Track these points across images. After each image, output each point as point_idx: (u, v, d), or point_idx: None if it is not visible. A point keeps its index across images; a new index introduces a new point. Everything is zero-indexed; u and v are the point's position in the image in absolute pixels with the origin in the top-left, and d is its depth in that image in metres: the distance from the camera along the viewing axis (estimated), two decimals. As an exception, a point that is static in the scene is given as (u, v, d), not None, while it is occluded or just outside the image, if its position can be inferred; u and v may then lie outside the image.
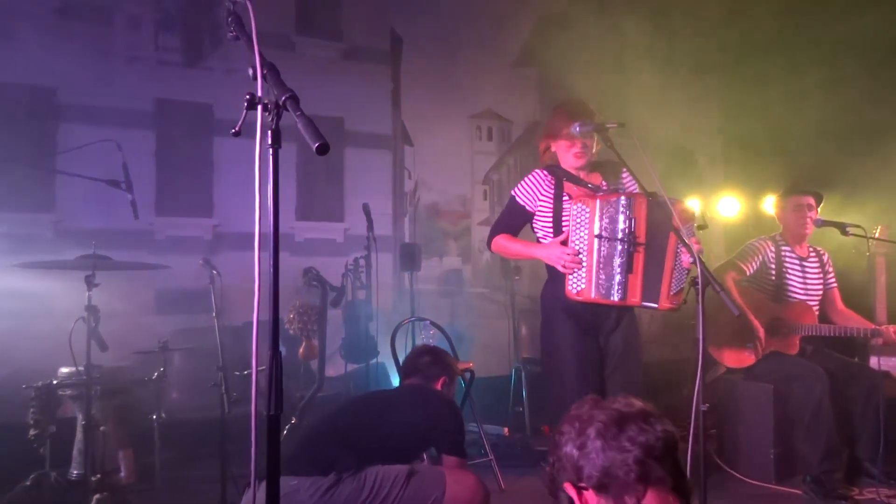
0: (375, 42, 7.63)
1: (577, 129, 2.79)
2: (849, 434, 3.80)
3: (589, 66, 8.06)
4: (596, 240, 2.74)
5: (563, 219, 2.87)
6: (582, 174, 2.98)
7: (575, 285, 2.77)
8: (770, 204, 4.37)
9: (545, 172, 2.97)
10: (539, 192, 2.94)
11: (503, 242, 3.00)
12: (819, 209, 4.17)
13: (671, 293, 2.78)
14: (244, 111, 1.49)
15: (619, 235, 2.72)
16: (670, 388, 5.42)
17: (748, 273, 4.09)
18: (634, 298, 2.75)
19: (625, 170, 2.98)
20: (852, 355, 4.31)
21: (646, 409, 1.37)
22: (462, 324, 7.07)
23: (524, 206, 2.97)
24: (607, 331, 2.92)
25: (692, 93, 7.57)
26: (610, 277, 2.75)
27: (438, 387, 2.88)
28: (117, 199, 3.42)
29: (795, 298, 4.08)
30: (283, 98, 1.47)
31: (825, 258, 4.26)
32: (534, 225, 3.02)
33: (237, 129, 1.51)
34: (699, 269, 2.34)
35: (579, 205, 2.77)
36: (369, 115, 7.40)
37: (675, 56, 7.74)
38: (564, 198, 2.91)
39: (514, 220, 3.01)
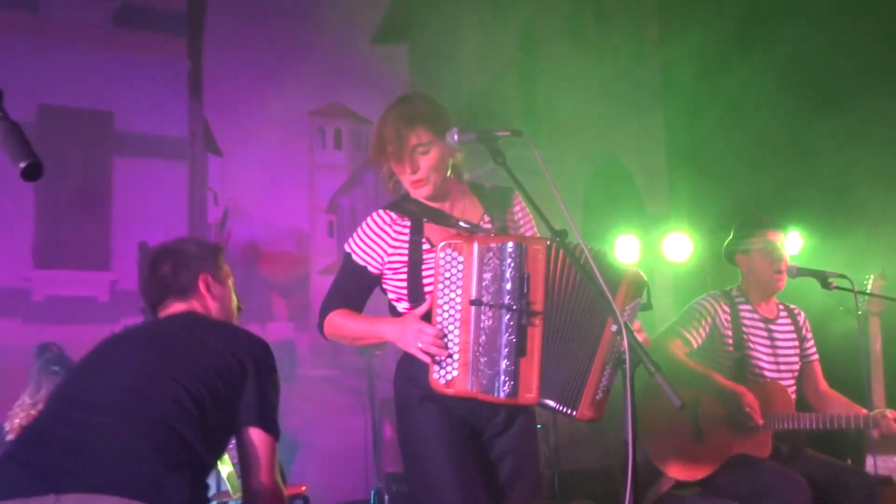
0: (165, 0, 7.60)
1: (456, 137, 2.86)
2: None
3: (483, 43, 8.37)
4: (472, 307, 2.76)
5: (426, 277, 2.92)
6: (447, 206, 3.07)
7: (443, 373, 2.78)
8: (728, 245, 4.56)
9: (392, 213, 3.03)
10: (386, 242, 3.00)
11: (338, 322, 3.02)
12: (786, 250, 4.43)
13: (597, 397, 2.80)
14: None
15: (507, 300, 2.75)
16: (599, 512, 5.57)
17: (695, 344, 4.25)
18: (529, 394, 2.76)
19: (517, 197, 3.12)
20: (843, 456, 4.55)
21: None
22: (294, 423, 6.98)
23: (366, 267, 3.02)
24: (492, 434, 2.99)
25: (628, 84, 7.98)
26: (492, 363, 2.76)
27: (205, 295, 2.90)
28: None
29: (763, 377, 4.27)
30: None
31: (801, 320, 4.49)
32: (383, 287, 3.09)
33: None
34: (626, 341, 2.39)
35: (448, 251, 2.78)
36: (154, 108, 7.30)
37: (608, 34, 8.16)
38: (424, 245, 2.96)
39: (354, 288, 3.06)
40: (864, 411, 4.08)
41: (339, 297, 3.06)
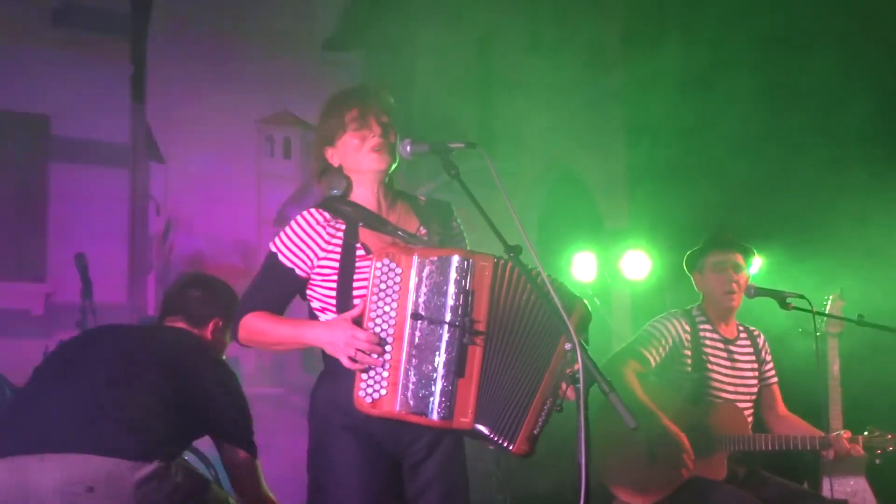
0: (108, 1, 7.43)
1: (409, 148, 2.75)
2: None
3: (439, 52, 8.27)
4: (409, 320, 2.65)
5: (357, 285, 2.81)
6: (382, 212, 2.95)
7: (370, 391, 2.63)
8: (685, 263, 4.55)
9: (325, 213, 2.89)
10: (317, 244, 2.84)
11: (257, 324, 2.85)
12: (750, 272, 4.40)
13: (535, 431, 2.68)
14: None
15: (447, 317, 2.65)
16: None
17: (653, 363, 4.21)
18: (464, 418, 2.61)
19: (455, 214, 2.99)
20: (800, 479, 4.52)
21: None
22: (238, 445, 6.83)
23: (293, 269, 2.86)
24: (414, 461, 2.85)
25: (589, 97, 7.92)
26: (426, 382, 2.64)
27: (208, 334, 3.12)
28: None
29: (721, 398, 4.24)
30: None
31: (761, 342, 4.47)
32: (308, 294, 2.93)
33: None
34: (580, 360, 2.32)
35: (385, 262, 2.66)
36: (93, 113, 7.11)
37: (568, 45, 8.09)
38: (359, 251, 2.84)
39: (278, 292, 2.88)
40: (820, 433, 4.07)
41: (259, 298, 2.89)
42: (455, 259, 2.66)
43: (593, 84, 7.74)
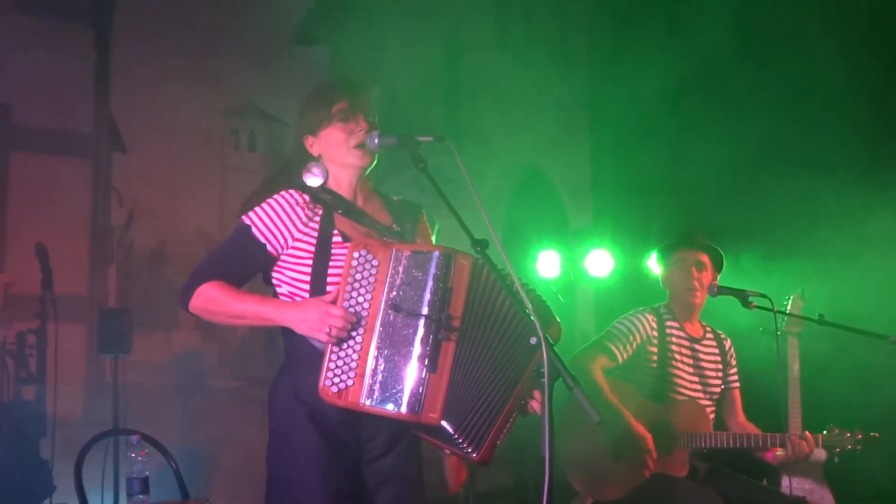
0: (72, -14, 7.33)
1: (376, 141, 2.78)
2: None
3: (406, 49, 8.26)
4: (382, 312, 2.64)
5: (332, 272, 2.79)
6: (360, 202, 2.97)
7: (336, 381, 2.62)
8: (652, 262, 4.63)
9: (305, 196, 2.89)
10: (294, 224, 2.84)
11: (216, 294, 2.81)
12: (717, 273, 4.47)
13: (497, 441, 2.71)
14: None
15: (424, 310, 2.63)
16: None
17: (620, 359, 4.29)
18: (433, 413, 2.62)
19: (423, 216, 3.02)
20: (760, 476, 4.62)
21: None
22: (200, 438, 6.80)
23: (265, 245, 2.85)
24: (372, 456, 2.86)
25: (556, 95, 7.97)
26: (397, 375, 2.62)
27: None
28: None
29: (683, 396, 4.31)
30: None
31: (727, 345, 4.58)
32: (274, 277, 2.92)
33: None
34: (545, 354, 2.35)
35: (362, 252, 2.67)
36: (55, 101, 7.02)
37: (536, 44, 8.14)
38: (335, 238, 2.84)
39: (242, 265, 2.88)
40: (780, 434, 4.16)
41: (221, 269, 2.87)
42: (436, 255, 2.66)
43: (560, 83, 7.79)
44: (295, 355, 2.83)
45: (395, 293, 2.64)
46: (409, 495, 2.90)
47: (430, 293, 2.62)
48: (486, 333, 2.71)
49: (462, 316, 2.65)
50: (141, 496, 4.41)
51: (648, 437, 4.10)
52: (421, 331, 2.62)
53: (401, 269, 2.65)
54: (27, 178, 6.85)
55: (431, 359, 2.62)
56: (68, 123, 7.12)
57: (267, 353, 6.25)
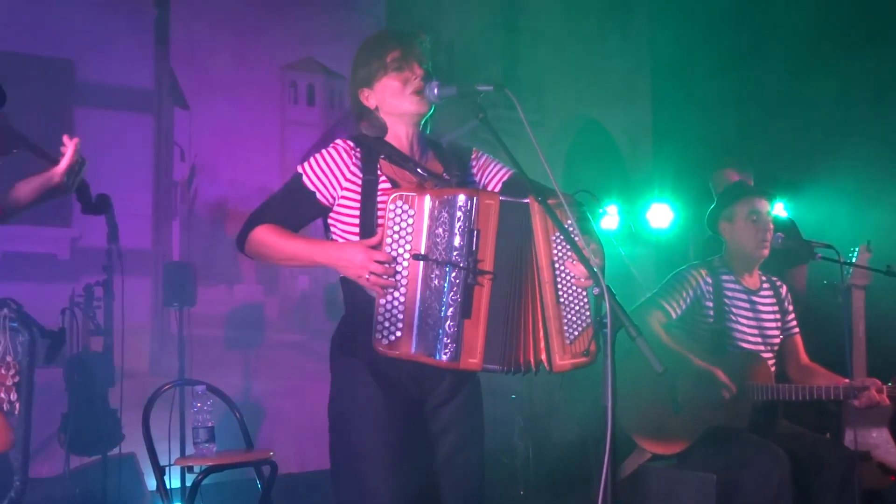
0: (132, -56, 7.39)
1: (436, 91, 2.77)
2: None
3: (464, 1, 8.23)
4: (421, 261, 2.65)
5: (381, 221, 2.78)
6: (416, 153, 2.95)
7: (385, 333, 2.66)
8: (711, 212, 4.54)
9: (353, 144, 2.91)
10: (343, 173, 2.84)
11: (268, 236, 2.85)
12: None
13: (566, 342, 2.71)
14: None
15: (453, 256, 2.64)
16: (574, 486, 5.54)
17: (674, 315, 4.24)
18: (472, 359, 2.65)
19: (474, 153, 3.02)
20: (822, 430, 4.57)
21: None
22: (262, 390, 6.92)
23: (315, 194, 2.86)
24: (435, 403, 2.88)
25: (614, 44, 7.88)
26: (436, 323, 2.64)
27: None
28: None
29: (743, 349, 4.26)
30: None
31: (783, 292, 4.49)
32: (330, 225, 2.96)
33: None
34: (608, 305, 2.35)
35: (398, 203, 2.66)
36: (117, 58, 7.08)
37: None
38: (383, 184, 2.84)
39: (295, 212, 2.90)
40: (845, 381, 4.09)
41: (275, 214, 2.89)
42: (461, 198, 2.66)
43: (619, 32, 7.70)
44: (353, 307, 2.87)
45: (431, 241, 2.64)
46: (470, 441, 2.93)
47: (458, 237, 2.63)
48: (517, 271, 2.68)
49: (493, 256, 2.65)
50: (207, 444, 4.52)
51: (716, 369, 4.06)
52: (451, 277, 2.63)
53: (435, 215, 2.64)
54: (91, 134, 6.94)
55: (464, 305, 2.63)
56: (130, 79, 7.21)
57: (327, 306, 6.31)
